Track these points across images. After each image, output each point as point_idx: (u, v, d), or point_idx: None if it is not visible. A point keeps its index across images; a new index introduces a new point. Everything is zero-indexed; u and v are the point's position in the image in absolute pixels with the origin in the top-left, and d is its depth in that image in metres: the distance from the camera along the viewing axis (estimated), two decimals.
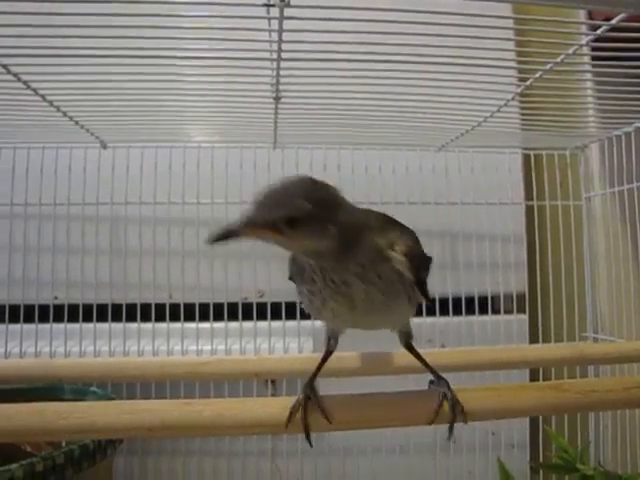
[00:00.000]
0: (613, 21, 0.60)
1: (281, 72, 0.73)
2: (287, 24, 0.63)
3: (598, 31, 0.63)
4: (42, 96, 0.79)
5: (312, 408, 0.54)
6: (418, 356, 0.62)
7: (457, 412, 0.54)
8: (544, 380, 1.08)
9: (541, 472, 1.09)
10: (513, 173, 1.13)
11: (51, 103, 0.82)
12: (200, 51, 0.70)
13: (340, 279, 0.50)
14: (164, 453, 1.08)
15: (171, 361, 0.81)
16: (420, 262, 0.54)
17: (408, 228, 0.57)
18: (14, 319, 1.04)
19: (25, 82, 0.74)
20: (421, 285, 0.55)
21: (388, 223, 0.56)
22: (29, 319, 1.04)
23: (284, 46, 0.66)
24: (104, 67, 0.72)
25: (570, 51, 0.69)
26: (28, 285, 1.06)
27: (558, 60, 0.71)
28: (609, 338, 1.06)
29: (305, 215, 0.46)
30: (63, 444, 0.83)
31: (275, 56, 0.68)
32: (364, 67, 0.71)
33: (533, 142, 1.11)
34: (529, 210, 1.15)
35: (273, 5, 0.56)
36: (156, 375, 0.83)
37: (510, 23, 0.95)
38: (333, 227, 0.47)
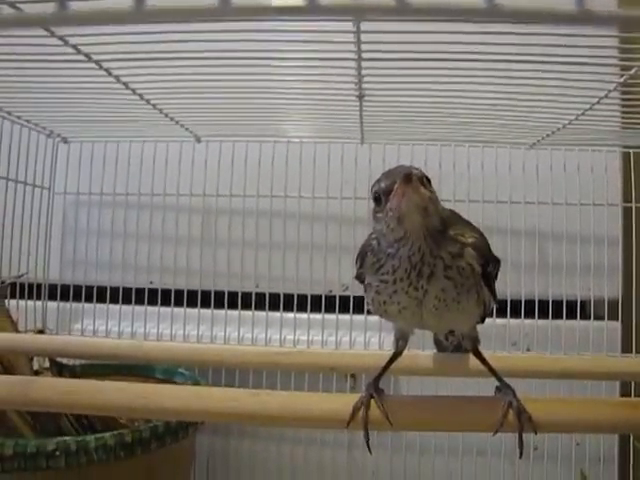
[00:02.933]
0: None
1: (363, 72, 0.73)
2: (365, 25, 0.63)
3: None
4: (140, 95, 0.84)
5: (374, 407, 0.54)
6: (484, 361, 0.61)
7: (524, 421, 0.52)
8: (636, 396, 1.03)
9: None
10: (610, 172, 1.07)
11: (148, 101, 0.87)
12: (288, 52, 0.73)
13: (428, 270, 0.50)
14: (245, 436, 1.12)
15: (252, 350, 0.84)
16: (488, 257, 0.54)
17: (474, 224, 0.57)
18: (114, 300, 1.12)
19: (124, 83, 0.79)
20: (488, 280, 0.54)
21: (457, 217, 0.55)
22: (127, 301, 1.12)
23: (364, 46, 0.66)
24: (199, 68, 0.76)
25: None
26: (127, 269, 1.14)
27: None
28: None
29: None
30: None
31: (356, 56, 0.69)
32: (448, 66, 0.70)
33: (634, 139, 1.05)
34: (627, 212, 1.09)
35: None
36: (237, 363, 0.86)
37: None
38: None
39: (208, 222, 1.14)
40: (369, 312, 1.05)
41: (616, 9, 0.27)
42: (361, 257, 0.56)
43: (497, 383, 0.58)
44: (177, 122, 0.98)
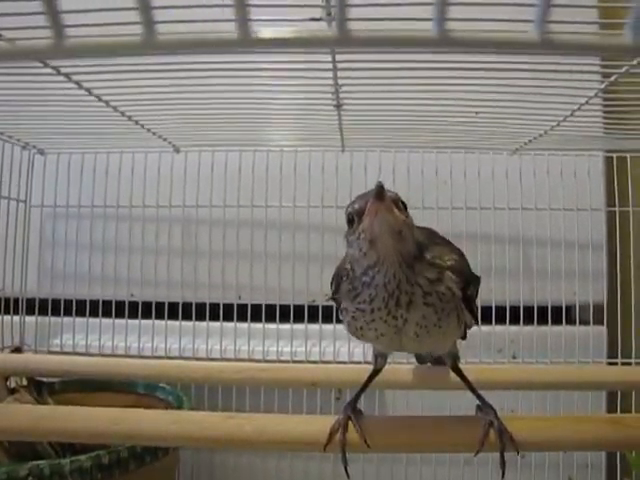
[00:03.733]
0: None
1: (339, 81, 0.72)
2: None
3: None
4: (114, 107, 0.82)
5: (352, 430, 0.52)
6: (464, 379, 0.59)
7: (505, 441, 0.51)
8: (622, 405, 1.02)
9: None
10: (593, 177, 1.07)
11: (123, 113, 0.85)
12: (266, 63, 0.71)
13: (406, 298, 0.48)
14: (231, 450, 1.10)
15: (232, 367, 0.82)
16: (469, 279, 0.52)
17: (452, 244, 0.55)
18: (93, 314, 1.10)
19: (97, 95, 0.77)
20: (469, 303, 0.53)
21: (435, 237, 0.54)
22: (107, 314, 1.10)
23: (339, 57, 0.65)
24: (175, 80, 0.74)
25: None
26: (106, 282, 1.12)
27: None
28: None
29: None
30: None
31: (332, 66, 0.68)
32: (426, 75, 0.69)
33: (616, 144, 1.04)
34: (610, 216, 1.08)
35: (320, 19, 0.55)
36: (218, 380, 0.85)
37: (594, 14, 0.88)
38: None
39: (188, 233, 1.12)
40: None
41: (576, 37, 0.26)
42: (336, 282, 0.54)
43: (477, 402, 0.56)
44: (154, 133, 0.97)
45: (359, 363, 1.00)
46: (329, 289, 1.05)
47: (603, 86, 0.76)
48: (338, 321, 1.04)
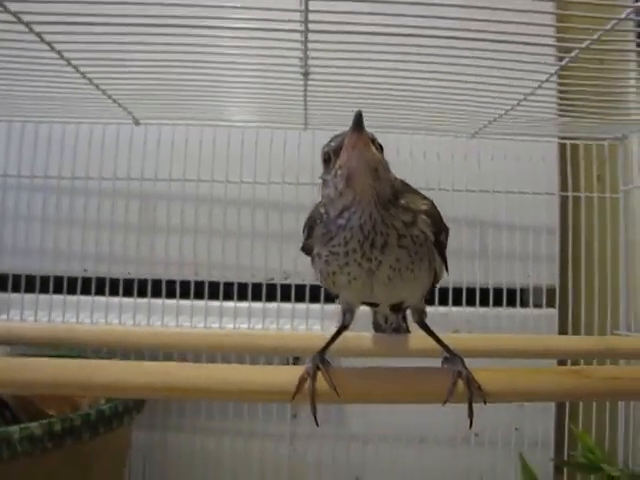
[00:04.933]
0: None
1: (309, 45, 0.72)
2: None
3: None
4: (75, 67, 0.80)
5: (321, 379, 0.52)
6: (432, 333, 0.60)
7: (473, 390, 0.51)
8: None
9: (565, 471, 1.06)
10: (548, 162, 1.10)
11: (84, 75, 0.82)
12: (230, 20, 0.70)
13: (382, 239, 0.49)
14: (183, 430, 1.08)
15: (193, 333, 0.81)
16: (440, 226, 0.53)
17: (422, 193, 0.56)
18: (44, 290, 1.06)
19: (59, 52, 0.74)
20: (441, 249, 0.53)
21: (408, 187, 0.54)
22: (58, 290, 1.06)
23: (312, 16, 0.65)
24: (138, 37, 0.73)
25: (608, 26, 0.65)
26: (58, 257, 1.08)
27: (596, 37, 0.67)
28: None
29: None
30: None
31: (302, 27, 0.68)
32: (393, 42, 0.70)
33: (570, 130, 1.07)
34: (563, 201, 1.12)
35: None
36: (178, 345, 0.82)
37: None
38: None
39: (146, 208, 1.09)
40: (311, 299, 1.05)
41: None
42: (309, 226, 0.54)
43: (445, 354, 0.57)
44: (115, 100, 0.94)
45: None
46: (288, 267, 1.07)
47: (555, 70, 0.78)
48: (297, 299, 1.06)
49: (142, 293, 1.06)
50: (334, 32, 0.69)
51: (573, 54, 0.72)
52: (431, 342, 0.62)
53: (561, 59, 0.76)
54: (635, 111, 0.95)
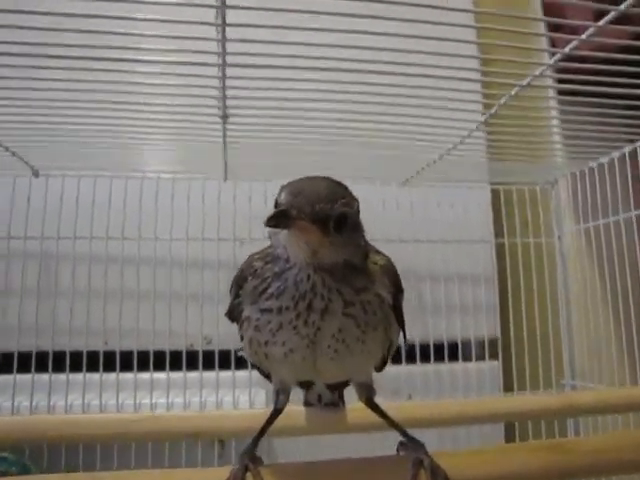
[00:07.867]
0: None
1: (227, 82, 0.65)
2: (230, 31, 0.57)
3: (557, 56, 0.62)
4: None
5: None
6: (382, 414, 0.52)
7: None
8: (520, 435, 0.99)
9: None
10: (482, 209, 1.07)
11: None
12: (143, 52, 0.62)
13: (322, 303, 0.42)
14: None
15: (97, 420, 0.68)
16: (399, 285, 0.47)
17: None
18: None
19: None
20: (398, 314, 0.47)
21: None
22: None
23: (230, 46, 0.58)
24: (34, 71, 0.63)
25: (524, 82, 0.67)
26: None
27: (513, 93, 0.70)
28: (588, 385, 0.98)
29: (354, 215, 0.42)
30: None
31: (220, 60, 0.61)
32: (319, 88, 0.65)
33: (502, 176, 1.05)
34: (500, 248, 1.08)
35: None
36: (79, 436, 0.69)
37: (473, 49, 0.90)
38: (363, 239, 0.44)
39: (47, 269, 0.97)
40: (237, 366, 0.94)
41: None
42: (237, 283, 0.46)
43: (400, 438, 0.49)
44: (7, 149, 0.83)
45: None
46: (210, 332, 0.96)
47: (484, 118, 0.79)
48: (221, 367, 0.95)
49: (42, 368, 0.92)
50: (253, 66, 0.63)
51: (493, 110, 0.75)
52: (372, 415, 0.54)
53: (490, 107, 0.76)
54: (561, 154, 0.93)
